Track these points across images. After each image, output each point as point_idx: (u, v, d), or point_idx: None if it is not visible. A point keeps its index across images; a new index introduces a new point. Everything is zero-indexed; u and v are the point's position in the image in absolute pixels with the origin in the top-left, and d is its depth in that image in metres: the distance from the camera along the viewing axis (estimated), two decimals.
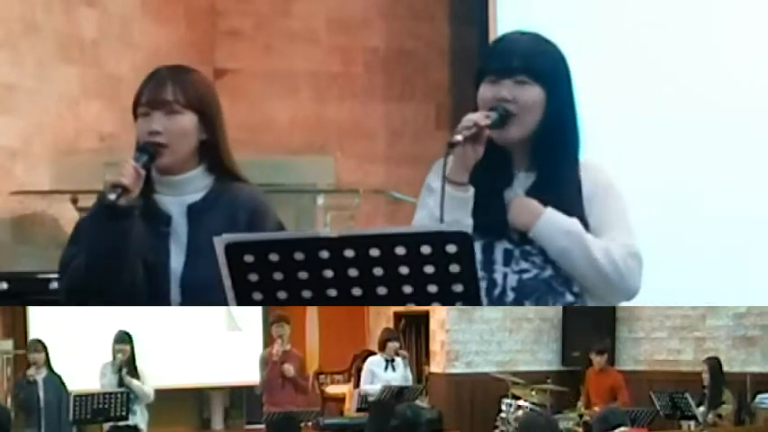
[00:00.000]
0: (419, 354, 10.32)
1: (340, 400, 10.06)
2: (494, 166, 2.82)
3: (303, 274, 2.44)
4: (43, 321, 8.87)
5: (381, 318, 10.60)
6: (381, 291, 2.44)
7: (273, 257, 2.44)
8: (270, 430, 6.71)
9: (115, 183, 2.82)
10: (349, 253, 2.41)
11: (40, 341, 7.57)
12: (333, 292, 2.46)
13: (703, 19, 7.26)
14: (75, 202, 6.62)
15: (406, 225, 2.76)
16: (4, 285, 6.49)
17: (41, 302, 6.79)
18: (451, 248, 2.39)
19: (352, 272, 2.43)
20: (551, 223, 2.80)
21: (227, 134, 3.04)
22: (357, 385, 8.55)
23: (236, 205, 2.96)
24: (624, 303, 2.96)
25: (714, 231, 7.00)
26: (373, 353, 8.30)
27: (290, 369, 7.31)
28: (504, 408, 8.26)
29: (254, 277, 2.46)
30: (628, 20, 7.40)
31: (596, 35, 7.27)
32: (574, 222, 2.80)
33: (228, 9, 8.63)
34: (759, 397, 7.73)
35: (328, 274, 2.43)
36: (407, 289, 2.44)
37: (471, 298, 2.45)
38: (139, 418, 7.18)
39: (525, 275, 2.82)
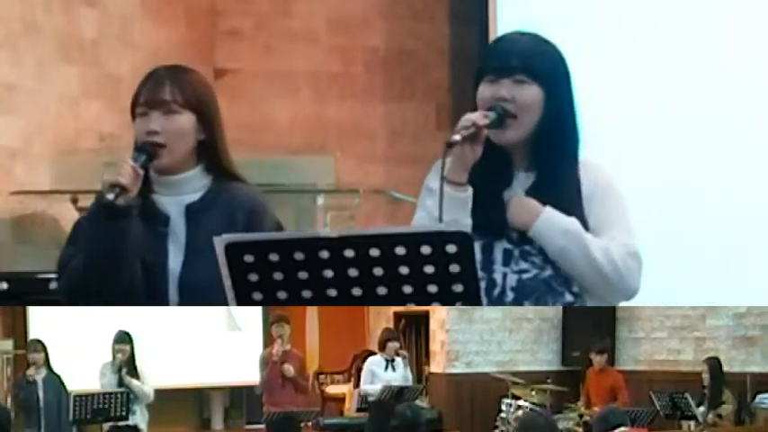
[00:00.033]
0: (419, 354, 10.32)
1: (340, 400, 10.05)
2: (493, 166, 2.82)
3: (303, 274, 2.44)
4: (43, 321, 8.87)
5: (381, 318, 10.60)
6: (381, 291, 2.44)
7: (273, 257, 2.44)
8: (270, 430, 6.71)
9: (113, 182, 2.82)
10: (349, 253, 2.41)
11: (39, 341, 7.57)
12: (333, 292, 2.46)
13: (703, 19, 7.26)
14: (75, 202, 6.62)
15: (406, 225, 2.76)
16: (4, 285, 6.49)
17: (41, 302, 6.79)
18: (451, 248, 2.39)
19: (352, 272, 2.43)
20: (550, 222, 2.80)
21: (227, 134, 3.04)
22: (357, 385, 8.55)
23: (234, 205, 2.96)
24: (624, 303, 2.95)
25: (714, 231, 7.00)
26: (373, 353, 8.29)
27: (290, 369, 7.31)
28: (504, 408, 8.25)
29: (254, 277, 2.46)
30: (628, 20, 7.40)
31: (596, 35, 7.27)
32: (573, 222, 2.80)
33: (228, 9, 8.63)
34: (759, 397, 7.73)
35: (328, 274, 2.44)
36: (407, 289, 2.44)
37: (471, 298, 2.45)
38: (139, 418, 7.18)
39: (525, 275, 2.82)
